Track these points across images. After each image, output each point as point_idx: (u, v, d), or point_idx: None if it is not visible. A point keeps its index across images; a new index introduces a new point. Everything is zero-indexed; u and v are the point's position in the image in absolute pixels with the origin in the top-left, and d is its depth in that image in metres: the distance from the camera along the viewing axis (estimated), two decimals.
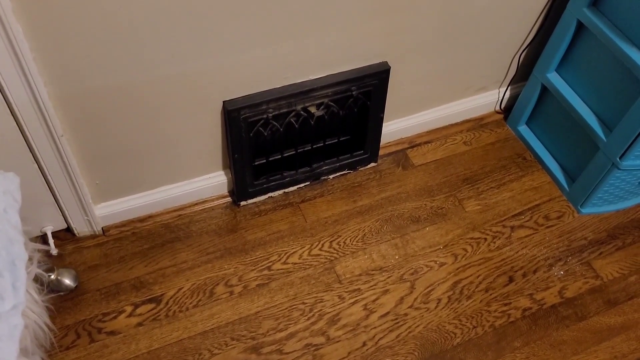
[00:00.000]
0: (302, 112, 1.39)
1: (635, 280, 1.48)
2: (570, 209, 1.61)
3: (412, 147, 1.71)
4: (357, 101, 1.45)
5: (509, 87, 1.77)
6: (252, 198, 1.53)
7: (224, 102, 1.29)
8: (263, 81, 1.30)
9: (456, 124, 1.77)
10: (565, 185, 1.63)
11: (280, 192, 1.56)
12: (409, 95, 1.59)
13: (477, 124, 1.78)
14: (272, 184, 1.53)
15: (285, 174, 1.53)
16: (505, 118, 1.80)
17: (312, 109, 1.39)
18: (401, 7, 1.30)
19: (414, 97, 1.62)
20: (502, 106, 1.82)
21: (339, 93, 1.39)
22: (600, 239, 1.55)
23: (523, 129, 1.75)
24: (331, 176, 1.61)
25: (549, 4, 1.52)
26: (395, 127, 1.66)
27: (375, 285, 1.43)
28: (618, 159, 1.41)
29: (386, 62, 1.41)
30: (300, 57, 1.29)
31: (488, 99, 1.76)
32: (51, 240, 1.38)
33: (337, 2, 1.21)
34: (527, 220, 1.58)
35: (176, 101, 1.24)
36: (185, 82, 1.21)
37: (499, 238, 1.53)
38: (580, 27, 1.43)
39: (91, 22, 1.02)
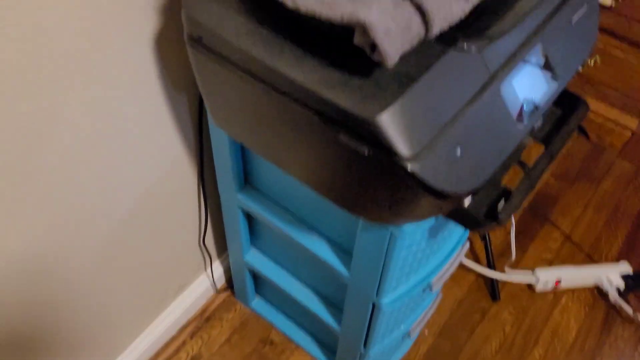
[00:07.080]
0: None
1: None
2: None
3: None
4: None
5: (215, 266, 1.36)
6: None
7: None
8: None
9: (173, 339, 1.32)
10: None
11: None
12: None
13: (200, 322, 1.35)
14: None
15: None
16: (234, 293, 1.40)
17: None
18: None
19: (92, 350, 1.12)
20: (221, 285, 1.40)
21: None
22: None
23: (256, 303, 1.36)
24: None
25: (202, 203, 1.12)
26: None
27: None
28: (363, 347, 1.08)
29: None
30: None
31: (199, 289, 1.33)
32: None
33: None
34: None
35: None
36: None
37: None
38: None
39: None
